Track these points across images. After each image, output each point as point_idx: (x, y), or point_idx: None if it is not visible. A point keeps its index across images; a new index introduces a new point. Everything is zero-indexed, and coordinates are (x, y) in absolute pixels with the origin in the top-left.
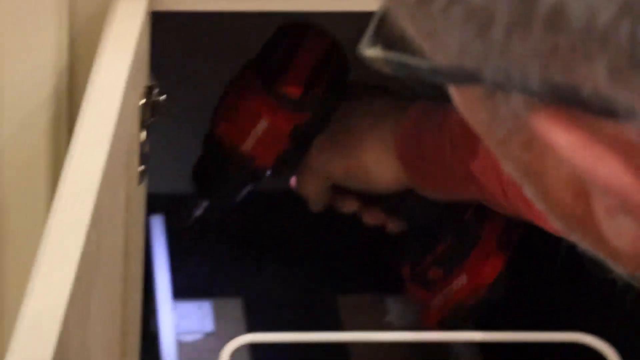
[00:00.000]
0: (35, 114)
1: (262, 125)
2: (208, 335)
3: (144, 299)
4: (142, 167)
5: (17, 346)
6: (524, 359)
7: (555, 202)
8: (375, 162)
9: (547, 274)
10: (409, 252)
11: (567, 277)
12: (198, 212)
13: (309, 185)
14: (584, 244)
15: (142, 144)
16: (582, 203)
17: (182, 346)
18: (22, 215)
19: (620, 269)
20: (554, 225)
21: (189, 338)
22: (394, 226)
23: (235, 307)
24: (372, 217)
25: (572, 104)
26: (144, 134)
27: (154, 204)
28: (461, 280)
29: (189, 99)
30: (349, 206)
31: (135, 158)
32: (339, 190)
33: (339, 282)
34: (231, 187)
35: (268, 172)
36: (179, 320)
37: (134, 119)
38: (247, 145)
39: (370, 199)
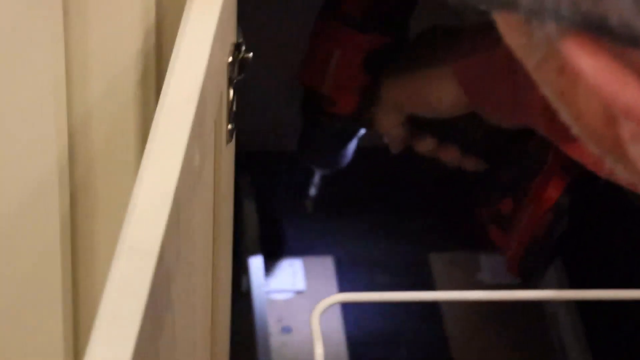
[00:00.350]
0: (124, 73)
1: (335, 57)
2: (299, 293)
3: (235, 258)
4: (230, 126)
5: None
6: (622, 314)
7: (587, 127)
8: (436, 83)
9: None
10: (482, 190)
11: None
12: (313, 192)
13: (384, 119)
14: (618, 169)
15: (230, 102)
16: (612, 128)
17: (273, 304)
18: (111, 176)
19: None
20: (590, 148)
21: (280, 297)
22: (469, 164)
23: (326, 265)
24: (447, 155)
25: (600, 32)
26: (231, 92)
27: (245, 163)
28: (529, 210)
29: (282, 57)
30: (425, 145)
31: (224, 116)
32: (415, 129)
33: (430, 239)
34: (326, 144)
35: (354, 122)
36: (270, 279)
37: (222, 76)
38: (327, 87)
39: (444, 135)
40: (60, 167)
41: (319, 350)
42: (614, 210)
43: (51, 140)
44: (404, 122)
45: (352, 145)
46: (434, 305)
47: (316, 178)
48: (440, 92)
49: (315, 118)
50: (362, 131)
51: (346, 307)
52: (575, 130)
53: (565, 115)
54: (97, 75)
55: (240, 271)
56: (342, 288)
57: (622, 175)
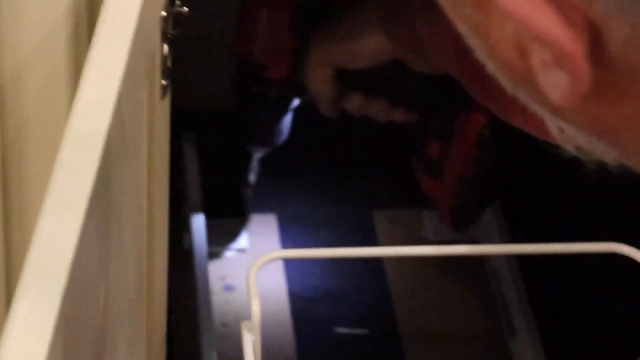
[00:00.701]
0: (56, 27)
1: (263, 18)
2: (242, 252)
3: (178, 216)
4: (165, 81)
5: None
6: (561, 268)
7: (501, 60)
8: (361, 31)
9: (578, 187)
10: (413, 139)
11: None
12: (252, 178)
13: (313, 75)
14: (530, 103)
15: (165, 57)
16: (524, 59)
17: (215, 263)
18: (43, 130)
19: (565, 139)
20: (504, 84)
21: (222, 255)
22: (398, 115)
23: (270, 223)
24: (376, 108)
25: None
26: (166, 47)
27: (186, 121)
28: (454, 149)
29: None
30: (354, 101)
31: (158, 71)
32: (343, 86)
33: (374, 197)
34: (261, 118)
35: (286, 87)
36: (213, 237)
37: (155, 29)
38: (257, 51)
39: (372, 88)
40: None
41: (255, 306)
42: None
43: None
44: (333, 79)
45: (287, 122)
46: (377, 262)
47: (254, 163)
48: (366, 39)
49: (248, 89)
50: (296, 102)
51: (289, 264)
52: (489, 66)
53: (480, 52)
54: (28, 30)
55: (182, 229)
56: (285, 246)
57: (533, 107)
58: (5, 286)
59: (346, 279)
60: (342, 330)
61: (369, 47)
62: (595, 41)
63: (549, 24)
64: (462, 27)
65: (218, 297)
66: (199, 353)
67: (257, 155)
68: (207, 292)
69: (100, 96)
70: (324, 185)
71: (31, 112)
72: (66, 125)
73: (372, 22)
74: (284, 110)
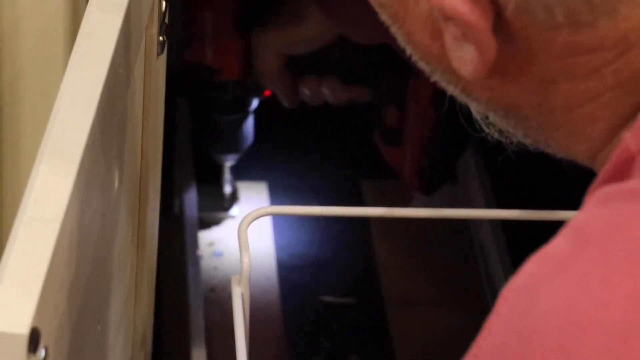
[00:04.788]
0: None
1: (207, 21)
2: (232, 218)
3: (169, 181)
4: (162, 37)
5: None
6: (545, 235)
7: (418, 44)
8: (301, 14)
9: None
10: (372, 111)
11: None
12: (229, 189)
13: (265, 68)
14: (445, 83)
15: (162, 13)
16: (438, 39)
17: (205, 229)
18: (39, 83)
19: (481, 115)
20: (422, 67)
21: (212, 221)
22: (354, 93)
23: (259, 191)
24: (330, 86)
25: None
26: (164, 4)
27: (180, 86)
28: (411, 112)
29: None
30: (309, 84)
31: (156, 27)
32: (295, 73)
33: (364, 167)
34: (222, 124)
35: (242, 87)
36: (203, 203)
37: None
38: (208, 55)
39: (323, 69)
40: None
41: (245, 259)
42: None
43: None
44: (284, 67)
45: (250, 124)
46: (364, 231)
47: (226, 174)
48: (307, 22)
49: (205, 96)
50: (255, 104)
51: (278, 232)
52: (409, 50)
53: (399, 37)
54: None
55: (173, 194)
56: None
57: (448, 88)
58: None
59: (333, 247)
60: (328, 298)
61: (311, 28)
62: (498, 15)
63: (456, 1)
64: (383, 16)
65: (207, 263)
66: (187, 317)
67: (228, 163)
68: (196, 257)
69: (98, 49)
70: (314, 154)
71: (27, 63)
72: (63, 77)
73: (309, 4)
74: (245, 112)
